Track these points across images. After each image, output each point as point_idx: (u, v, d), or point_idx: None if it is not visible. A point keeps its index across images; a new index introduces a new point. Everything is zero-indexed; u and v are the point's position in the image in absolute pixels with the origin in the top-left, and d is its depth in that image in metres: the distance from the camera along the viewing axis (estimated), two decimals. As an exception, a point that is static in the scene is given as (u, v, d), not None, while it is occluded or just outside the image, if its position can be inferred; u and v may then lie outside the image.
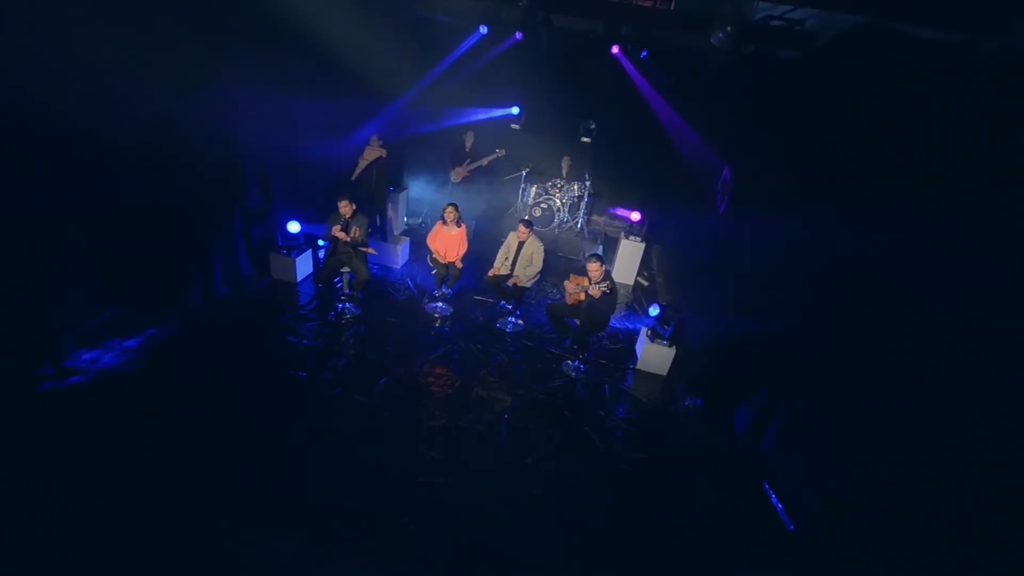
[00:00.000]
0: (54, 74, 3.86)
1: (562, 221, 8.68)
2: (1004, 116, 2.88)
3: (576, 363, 5.60)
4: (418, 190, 9.19)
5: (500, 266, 5.96)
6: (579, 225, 8.81)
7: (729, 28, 3.33)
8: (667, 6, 4.17)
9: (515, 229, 5.94)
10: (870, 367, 3.48)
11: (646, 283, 7.80)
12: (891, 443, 3.25)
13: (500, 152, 8.42)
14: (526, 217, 8.43)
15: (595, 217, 9.57)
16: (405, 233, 8.11)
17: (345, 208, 5.39)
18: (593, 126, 8.88)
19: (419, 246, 7.77)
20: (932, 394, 2.99)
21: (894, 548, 3.06)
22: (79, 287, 4.79)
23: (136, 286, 5.14)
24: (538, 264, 5.79)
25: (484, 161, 8.50)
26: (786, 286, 4.44)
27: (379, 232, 7.41)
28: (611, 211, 9.58)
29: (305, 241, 6.65)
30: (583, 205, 8.73)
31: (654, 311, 5.80)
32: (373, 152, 7.04)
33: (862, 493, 3.41)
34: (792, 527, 3.95)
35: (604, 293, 4.94)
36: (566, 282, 5.53)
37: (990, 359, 2.74)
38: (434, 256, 6.10)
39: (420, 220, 8.80)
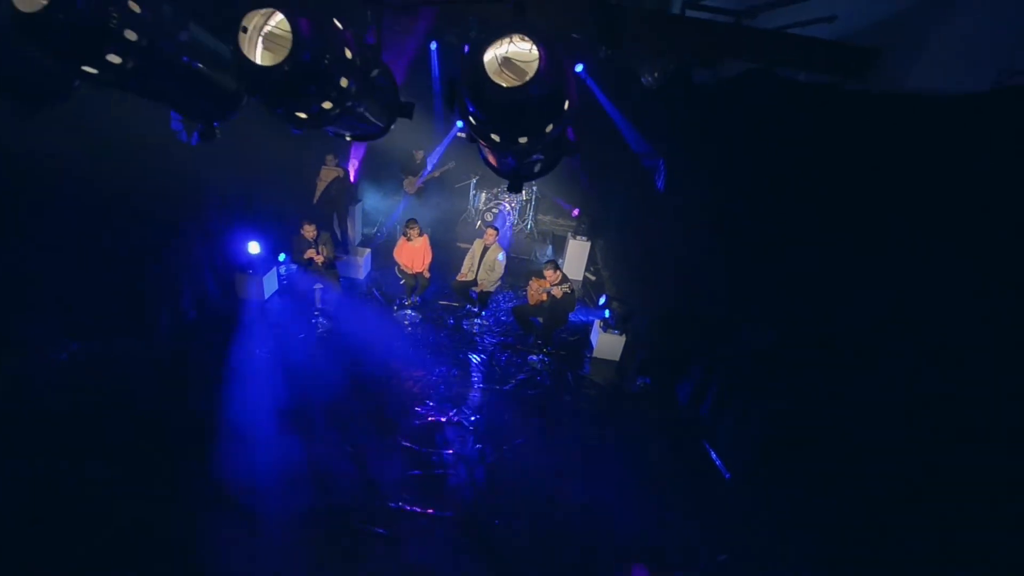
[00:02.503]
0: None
1: (512, 223, 9.30)
2: (858, 137, 3.81)
3: (540, 356, 6.26)
4: (372, 202, 9.45)
5: (466, 272, 6.48)
6: (528, 227, 9.47)
7: (656, 74, 4.07)
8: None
9: (469, 234, 6.46)
10: (779, 337, 4.40)
11: (593, 277, 8.61)
12: (800, 403, 4.17)
13: (451, 164, 8.87)
14: (479, 222, 8.99)
15: (541, 217, 10.28)
16: (363, 244, 8.38)
17: (310, 231, 5.68)
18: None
19: (379, 256, 8.11)
20: (832, 359, 3.91)
21: (806, 485, 3.97)
22: (43, 322, 4.79)
23: (102, 317, 5.16)
24: (501, 269, 6.37)
25: (437, 172, 8.91)
26: (708, 269, 5.34)
27: (341, 246, 7.65)
28: (556, 200, 10.21)
29: (269, 260, 6.80)
30: (530, 207, 9.39)
31: (603, 302, 6.58)
32: (330, 172, 7.27)
33: (779, 443, 4.33)
34: (728, 475, 4.85)
35: (566, 293, 5.62)
36: (529, 285, 6.15)
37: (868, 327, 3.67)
38: (402, 268, 6.50)
39: (375, 230, 9.09)
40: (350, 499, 4.13)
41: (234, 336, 5.88)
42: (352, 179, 7.70)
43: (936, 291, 3.15)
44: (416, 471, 4.49)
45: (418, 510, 4.13)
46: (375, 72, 2.47)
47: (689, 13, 3.56)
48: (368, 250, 7.91)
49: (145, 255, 5.49)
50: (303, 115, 2.26)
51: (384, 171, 9.40)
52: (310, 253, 5.68)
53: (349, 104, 2.33)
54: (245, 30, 2.05)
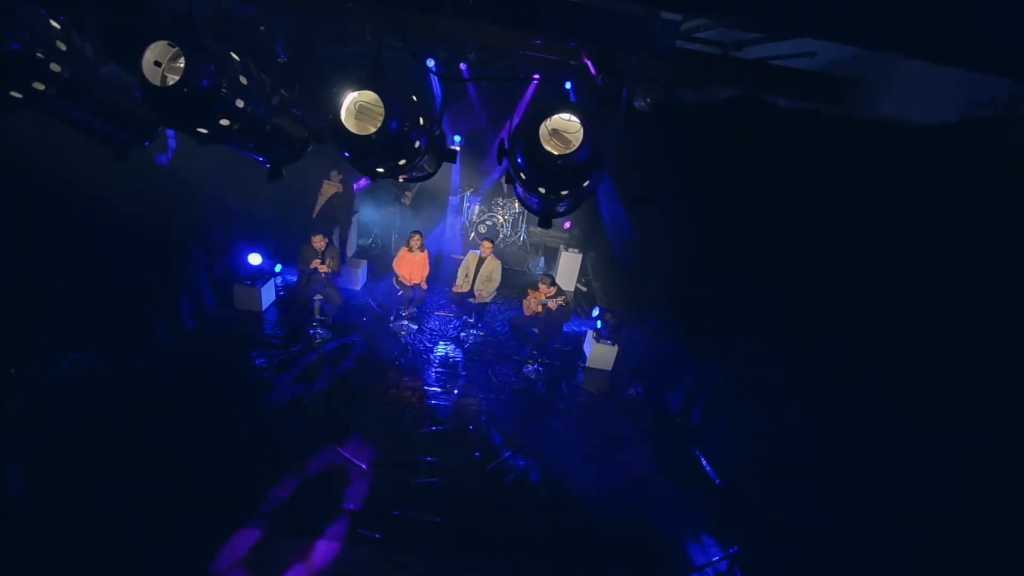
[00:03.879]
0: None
1: (505, 236, 9.49)
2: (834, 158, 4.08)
3: (535, 366, 6.43)
4: (366, 213, 9.56)
5: (462, 283, 6.63)
6: (521, 239, 9.66)
7: (648, 99, 4.31)
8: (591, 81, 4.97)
9: (463, 246, 6.62)
10: (768, 345, 4.63)
11: (585, 289, 8.83)
12: (786, 411, 4.39)
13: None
14: (473, 234, 9.16)
15: (533, 229, 10.48)
16: (359, 255, 8.49)
17: (319, 243, 5.80)
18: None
19: (376, 267, 8.22)
20: (820, 361, 4.14)
21: (793, 490, 4.17)
22: (44, 332, 4.81)
23: (102, 327, 5.20)
24: (497, 279, 6.54)
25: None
26: (697, 280, 5.58)
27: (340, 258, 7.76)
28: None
29: (267, 271, 6.88)
30: (523, 220, 9.59)
31: (596, 313, 6.78)
32: (331, 187, 7.39)
33: (768, 449, 4.54)
34: (718, 481, 5.05)
35: (561, 306, 5.81)
36: (526, 299, 6.33)
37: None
38: (400, 279, 6.63)
39: (370, 240, 9.20)
40: (348, 506, 4.22)
41: (232, 346, 5.94)
42: (351, 193, 7.80)
43: (918, 300, 3.39)
44: (413, 479, 4.59)
45: (415, 517, 4.23)
46: (438, 130, 2.99)
47: (680, 44, 3.81)
48: (365, 261, 8.02)
49: (144, 265, 5.54)
50: (381, 169, 2.77)
51: (378, 183, 9.52)
52: (315, 263, 5.79)
53: (418, 160, 2.82)
54: (342, 104, 2.52)
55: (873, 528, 3.44)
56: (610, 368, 6.69)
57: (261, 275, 6.75)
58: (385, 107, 2.42)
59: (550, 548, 4.22)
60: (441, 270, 8.38)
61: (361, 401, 5.42)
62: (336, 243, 7.65)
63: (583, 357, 6.89)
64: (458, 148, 9.80)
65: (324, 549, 3.86)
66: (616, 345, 6.66)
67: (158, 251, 5.66)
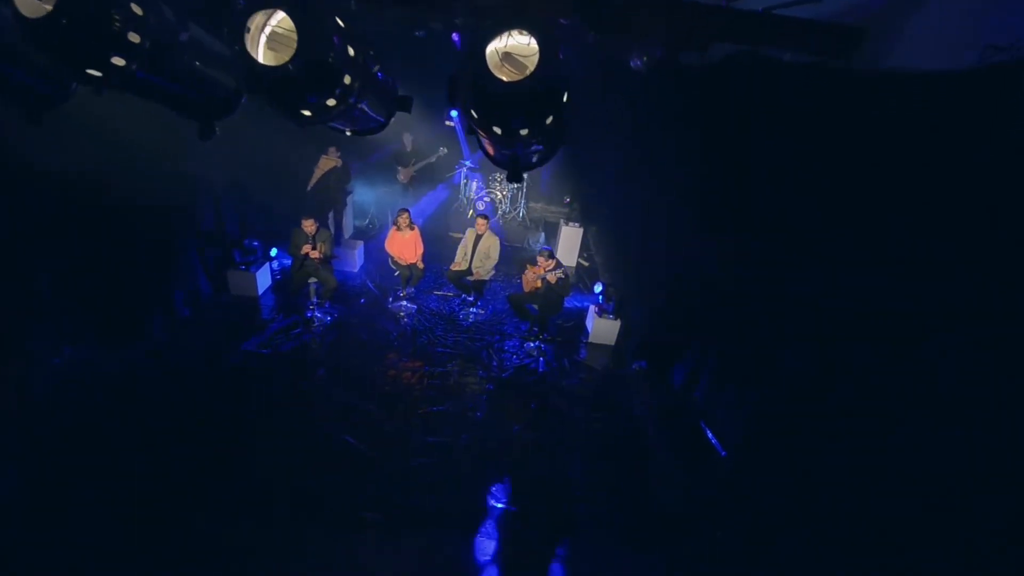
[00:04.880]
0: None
1: (504, 212, 9.30)
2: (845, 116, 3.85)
3: (537, 343, 6.32)
4: (362, 194, 9.39)
5: (460, 261, 6.49)
6: (520, 214, 9.47)
7: (645, 58, 4.07)
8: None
9: (461, 224, 6.47)
10: (769, 316, 4.48)
11: (587, 264, 8.66)
12: (789, 381, 4.26)
13: (443, 151, 8.80)
14: (471, 211, 8.99)
15: (533, 204, 10.27)
16: (355, 236, 8.36)
17: (309, 226, 5.66)
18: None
19: (372, 248, 8.09)
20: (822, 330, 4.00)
21: (800, 462, 4.08)
22: (38, 325, 4.76)
23: (96, 317, 5.14)
24: (495, 257, 6.39)
25: (433, 158, 8.83)
26: (698, 252, 5.41)
27: (335, 238, 7.63)
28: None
29: (262, 255, 6.77)
30: (522, 195, 9.38)
31: (598, 288, 6.63)
32: (328, 162, 7.23)
33: (773, 421, 4.43)
34: (724, 453, 4.96)
35: (561, 279, 5.66)
36: (524, 273, 6.19)
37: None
38: (395, 259, 6.50)
39: (367, 221, 9.05)
40: (348, 488, 4.18)
41: (228, 332, 5.87)
42: (348, 171, 7.64)
43: (926, 273, 3.22)
44: (414, 460, 4.55)
45: (417, 498, 4.19)
46: (376, 67, 2.48)
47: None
48: (361, 243, 7.89)
49: (137, 253, 5.45)
50: (307, 112, 2.30)
51: (372, 163, 9.33)
52: (306, 248, 5.66)
53: (352, 100, 2.35)
54: (249, 30, 2.06)
55: (884, 509, 3.34)
56: (613, 343, 6.58)
57: (256, 259, 6.66)
58: (298, 29, 1.97)
59: (552, 527, 4.18)
60: (445, 249, 8.23)
61: (361, 384, 5.36)
62: (331, 224, 7.51)
63: (585, 332, 6.78)
64: (453, 123, 9.57)
65: (326, 534, 3.84)
66: (619, 320, 6.53)
67: (149, 238, 5.55)
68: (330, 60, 2.10)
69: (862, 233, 3.66)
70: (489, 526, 4.08)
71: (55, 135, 4.14)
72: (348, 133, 2.92)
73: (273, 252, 7.01)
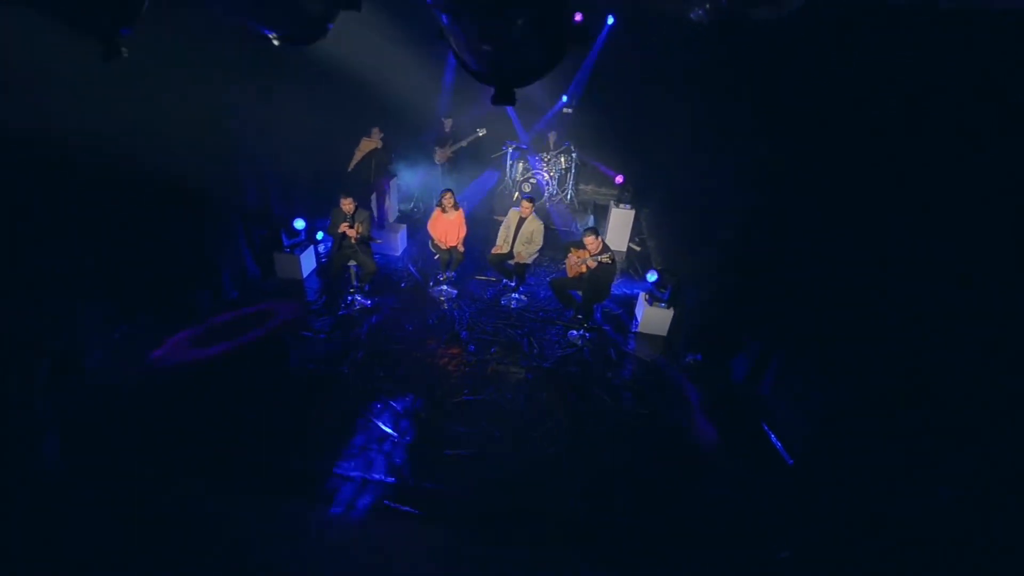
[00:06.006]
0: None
1: (552, 194, 8.88)
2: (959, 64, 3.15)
3: (581, 332, 5.93)
4: (406, 176, 9.27)
5: (502, 244, 6.19)
6: (568, 196, 9.01)
7: (708, 6, 3.52)
8: None
9: (506, 207, 6.13)
10: (848, 309, 3.85)
11: (638, 248, 8.11)
12: (865, 379, 3.65)
13: (481, 132, 8.46)
14: (516, 194, 8.64)
15: (582, 187, 9.77)
16: (400, 220, 8.26)
17: (348, 205, 5.54)
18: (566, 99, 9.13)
19: (416, 231, 7.96)
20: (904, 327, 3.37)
21: (877, 472, 3.49)
22: (96, 304, 4.93)
23: (149, 299, 5.28)
24: (538, 241, 6.03)
25: (464, 143, 8.54)
26: (764, 233, 4.79)
27: (376, 221, 7.55)
28: (597, 165, 9.66)
29: (307, 237, 6.79)
30: (570, 177, 8.91)
31: (652, 277, 6.12)
32: (370, 143, 7.13)
33: (847, 425, 3.83)
34: (791, 461, 4.40)
35: (605, 264, 5.23)
36: (568, 257, 5.80)
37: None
38: (436, 242, 6.29)
39: (412, 205, 8.93)
40: (383, 478, 4.04)
41: (274, 316, 5.91)
42: (390, 152, 7.51)
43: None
44: (451, 451, 4.34)
45: (453, 490, 3.99)
46: None
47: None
48: (404, 226, 7.77)
49: (185, 235, 5.56)
50: None
51: (414, 143, 9.17)
52: (343, 227, 5.55)
53: None
54: None
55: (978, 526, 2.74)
56: (665, 333, 6.07)
57: (301, 242, 6.68)
58: None
59: (589, 527, 3.84)
60: (490, 233, 7.98)
61: (397, 370, 5.22)
62: (372, 207, 7.43)
63: (635, 321, 6.30)
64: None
65: (355, 521, 3.72)
66: (672, 308, 6.00)
67: (196, 220, 5.65)
68: None
69: (968, 199, 2.99)
70: (519, 524, 3.81)
71: (102, 113, 4.21)
72: (275, 42, 2.41)
73: (319, 235, 7.03)
